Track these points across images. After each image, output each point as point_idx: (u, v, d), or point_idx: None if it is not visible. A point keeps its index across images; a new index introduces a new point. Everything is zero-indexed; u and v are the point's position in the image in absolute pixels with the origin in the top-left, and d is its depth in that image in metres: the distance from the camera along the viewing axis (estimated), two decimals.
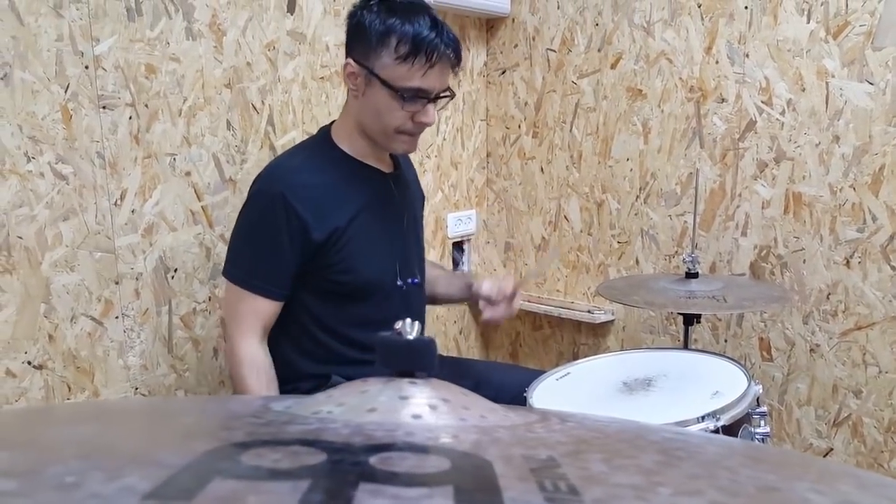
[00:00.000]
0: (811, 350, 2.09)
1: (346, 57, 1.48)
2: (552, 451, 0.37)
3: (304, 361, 1.57)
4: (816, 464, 0.48)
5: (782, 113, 2.03)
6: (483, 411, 0.46)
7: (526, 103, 2.59)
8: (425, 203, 1.86)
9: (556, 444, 0.40)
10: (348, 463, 0.33)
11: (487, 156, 2.74)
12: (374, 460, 0.33)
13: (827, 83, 1.95)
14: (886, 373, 1.97)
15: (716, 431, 1.29)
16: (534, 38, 2.53)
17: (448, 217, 2.59)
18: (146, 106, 1.65)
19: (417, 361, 0.50)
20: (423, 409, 0.44)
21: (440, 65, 1.44)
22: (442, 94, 1.49)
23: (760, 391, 1.45)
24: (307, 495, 0.28)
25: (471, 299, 1.79)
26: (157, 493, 0.28)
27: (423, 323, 1.72)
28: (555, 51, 2.49)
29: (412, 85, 1.42)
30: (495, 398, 0.51)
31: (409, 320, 0.52)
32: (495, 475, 0.31)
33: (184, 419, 0.48)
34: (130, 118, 1.63)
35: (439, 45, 1.42)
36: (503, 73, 2.64)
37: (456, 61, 1.47)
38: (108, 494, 0.29)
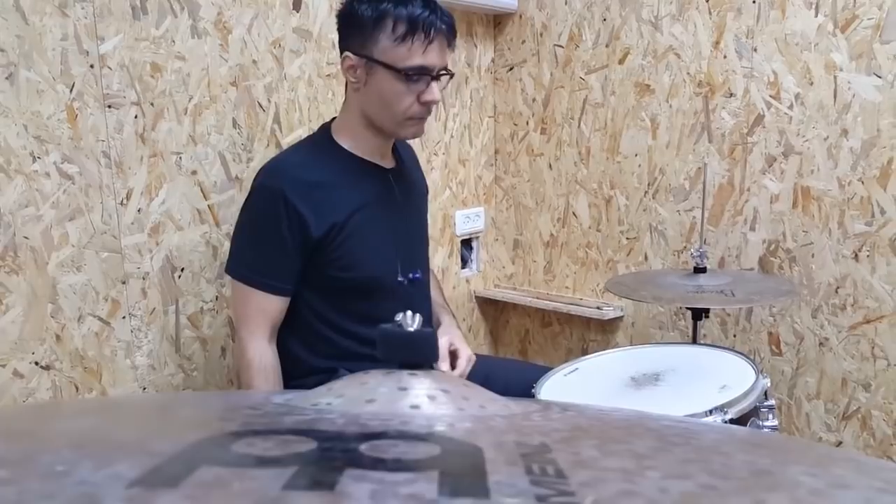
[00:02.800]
0: (820, 344, 2.07)
1: (343, 52, 1.50)
2: (546, 437, 0.37)
3: (310, 357, 1.57)
4: (818, 450, 0.47)
5: (790, 107, 2.02)
6: (483, 401, 0.46)
7: (534, 100, 2.59)
8: (429, 196, 1.86)
9: (551, 432, 0.39)
10: (338, 450, 0.32)
11: (495, 153, 2.73)
12: (364, 447, 0.32)
13: (835, 77, 1.94)
14: (895, 366, 1.96)
15: None
16: (541, 34, 2.53)
17: (456, 214, 2.59)
18: (152, 105, 1.65)
19: (418, 353, 0.50)
20: (421, 399, 0.44)
21: (438, 41, 1.46)
22: (442, 72, 1.50)
23: (769, 385, 1.44)
24: (291, 481, 0.27)
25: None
26: (143, 480, 0.28)
27: (427, 316, 1.71)
28: (562, 46, 2.48)
29: (414, 63, 1.44)
30: (504, 394, 0.50)
31: (409, 312, 0.52)
32: (483, 460, 0.31)
33: (182, 411, 0.48)
34: (136, 117, 1.63)
35: (436, 21, 1.44)
36: (511, 69, 2.63)
37: (452, 37, 1.50)
38: (96, 481, 0.29)
